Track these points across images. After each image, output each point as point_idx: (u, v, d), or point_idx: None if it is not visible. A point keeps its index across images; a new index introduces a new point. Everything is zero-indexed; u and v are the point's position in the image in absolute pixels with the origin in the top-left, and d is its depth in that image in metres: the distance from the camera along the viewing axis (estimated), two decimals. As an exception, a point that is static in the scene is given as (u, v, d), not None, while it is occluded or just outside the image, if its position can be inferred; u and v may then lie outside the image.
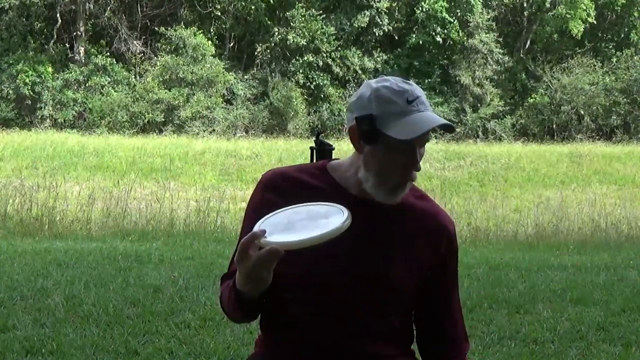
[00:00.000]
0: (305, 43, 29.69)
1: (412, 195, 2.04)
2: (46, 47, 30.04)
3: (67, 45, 30.55)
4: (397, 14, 31.18)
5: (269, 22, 30.71)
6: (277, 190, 2.03)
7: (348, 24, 30.75)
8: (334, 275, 1.93)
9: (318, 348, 1.98)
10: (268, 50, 30.69)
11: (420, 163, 1.95)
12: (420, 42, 31.05)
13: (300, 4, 30.34)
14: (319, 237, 1.79)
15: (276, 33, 30.32)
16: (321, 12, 30.54)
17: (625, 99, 30.95)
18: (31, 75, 27.91)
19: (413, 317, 2.10)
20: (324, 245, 1.84)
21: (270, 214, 1.91)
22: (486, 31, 31.67)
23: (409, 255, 2.00)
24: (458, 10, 31.24)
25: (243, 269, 1.83)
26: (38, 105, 28.28)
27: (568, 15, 31.13)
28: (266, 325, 2.07)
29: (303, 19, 29.99)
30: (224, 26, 31.32)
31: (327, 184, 2.03)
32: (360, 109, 1.94)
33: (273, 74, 30.09)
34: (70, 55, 30.26)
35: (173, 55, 29.18)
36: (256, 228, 1.84)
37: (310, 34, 29.79)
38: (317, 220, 1.85)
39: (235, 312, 1.99)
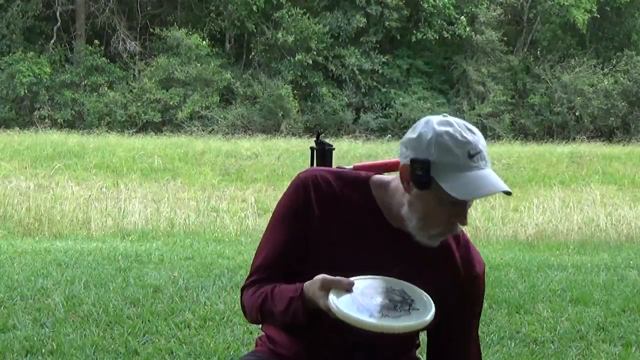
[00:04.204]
0: (298, 41, 29.60)
1: (454, 239, 2.01)
2: (45, 47, 30.04)
3: (67, 45, 30.57)
4: (396, 14, 31.04)
5: (262, 24, 30.72)
6: (319, 195, 1.96)
7: (346, 22, 30.70)
8: None
9: (327, 349, 1.98)
10: (263, 53, 30.70)
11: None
12: (424, 39, 30.93)
13: (290, 4, 30.27)
14: (389, 327, 1.78)
15: (270, 34, 30.33)
16: (305, 10, 30.37)
17: (625, 100, 30.95)
18: (30, 75, 27.91)
19: (427, 351, 2.09)
20: (359, 268, 1.87)
21: (369, 277, 1.89)
22: (492, 27, 31.61)
23: (430, 290, 1.94)
24: (465, 7, 31.18)
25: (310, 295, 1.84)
26: (37, 105, 28.29)
27: (568, 2, 30.96)
28: (273, 326, 2.06)
29: (292, 19, 29.92)
30: (220, 27, 31.35)
31: (368, 206, 1.97)
32: (417, 151, 1.85)
33: (265, 74, 30.07)
34: (69, 55, 30.29)
35: (169, 55, 29.21)
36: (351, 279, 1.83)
37: (302, 33, 29.73)
38: (399, 308, 1.83)
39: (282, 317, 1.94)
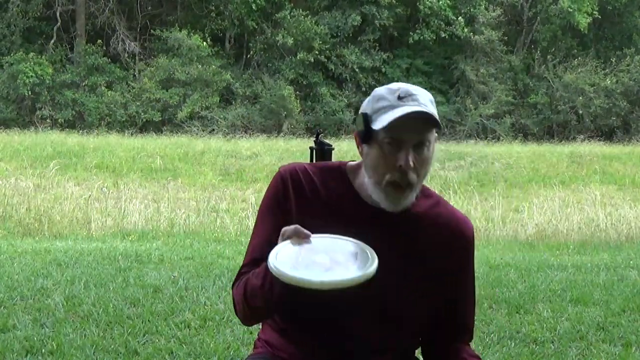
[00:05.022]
0: (299, 42, 29.58)
1: (425, 203, 2.01)
2: (45, 47, 30.06)
3: (67, 45, 30.59)
4: (391, 14, 31.00)
5: (262, 23, 30.72)
6: (298, 186, 1.98)
7: (345, 21, 30.68)
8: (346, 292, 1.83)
9: (323, 352, 1.97)
10: (262, 52, 30.69)
11: (420, 168, 1.88)
12: (422, 39, 30.92)
13: (292, 5, 30.26)
14: (333, 282, 1.75)
15: (269, 33, 30.32)
16: (308, 12, 30.41)
17: (625, 99, 30.96)
18: (31, 75, 27.93)
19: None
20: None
21: (334, 236, 1.88)
22: (492, 27, 31.58)
23: (423, 274, 1.96)
24: (462, 8, 31.15)
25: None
26: (37, 105, 28.33)
27: (572, 9, 30.96)
28: (271, 327, 2.06)
29: (294, 19, 29.92)
30: (220, 27, 31.36)
31: (346, 190, 1.99)
32: (360, 111, 1.94)
33: (267, 74, 30.08)
34: (70, 55, 30.30)
35: (170, 56, 29.21)
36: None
37: (303, 33, 29.73)
38: (342, 262, 1.80)
39: (256, 305, 1.93)
